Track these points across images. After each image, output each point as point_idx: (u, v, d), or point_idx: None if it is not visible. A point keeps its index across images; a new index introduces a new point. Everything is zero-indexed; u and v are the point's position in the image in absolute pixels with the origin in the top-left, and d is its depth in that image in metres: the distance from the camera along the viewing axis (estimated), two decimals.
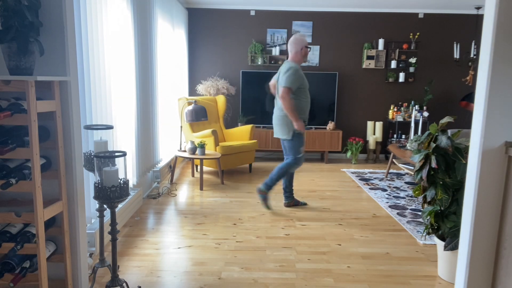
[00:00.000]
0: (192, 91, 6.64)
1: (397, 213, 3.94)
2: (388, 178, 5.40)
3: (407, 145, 4.85)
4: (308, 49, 3.90)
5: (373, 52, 6.44)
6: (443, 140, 2.51)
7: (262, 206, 4.09)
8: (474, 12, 6.35)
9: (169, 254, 2.95)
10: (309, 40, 6.49)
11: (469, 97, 6.18)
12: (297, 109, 3.79)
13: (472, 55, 6.01)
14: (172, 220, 3.67)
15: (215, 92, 6.19)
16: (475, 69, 6.07)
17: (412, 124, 5.26)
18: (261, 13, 6.46)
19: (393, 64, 6.42)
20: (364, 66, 6.52)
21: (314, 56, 6.55)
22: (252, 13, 6.45)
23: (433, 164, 2.51)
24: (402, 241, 3.26)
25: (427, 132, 2.66)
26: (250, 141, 5.53)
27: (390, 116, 6.54)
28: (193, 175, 5.39)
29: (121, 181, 1.96)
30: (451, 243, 2.51)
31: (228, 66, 6.59)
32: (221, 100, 5.88)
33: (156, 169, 4.66)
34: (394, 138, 6.44)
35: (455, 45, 6.06)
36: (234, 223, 3.61)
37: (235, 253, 2.98)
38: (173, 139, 5.64)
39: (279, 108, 3.89)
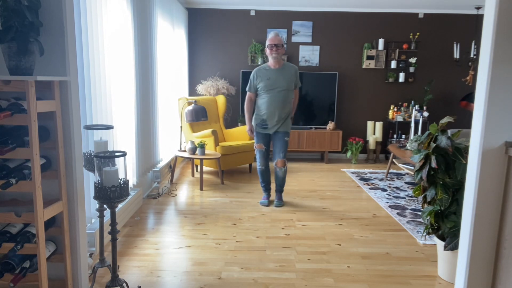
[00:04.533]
0: (192, 91, 6.64)
1: (397, 213, 3.94)
2: (388, 178, 5.40)
3: (407, 145, 4.85)
4: (273, 48, 3.92)
5: (373, 52, 6.44)
6: (443, 140, 2.51)
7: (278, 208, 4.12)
8: (474, 12, 6.35)
9: (169, 254, 2.95)
10: (309, 40, 6.49)
11: (469, 97, 6.18)
12: (256, 109, 4.08)
13: (472, 55, 6.01)
14: (172, 220, 3.67)
15: (215, 92, 6.19)
16: (475, 69, 6.07)
17: (412, 124, 5.26)
18: (261, 13, 6.46)
19: (393, 64, 6.42)
20: (364, 66, 6.52)
21: (314, 56, 6.54)
22: (252, 13, 6.45)
23: (433, 164, 2.51)
24: (402, 241, 3.26)
25: (427, 132, 2.66)
26: (250, 141, 5.53)
27: (390, 116, 6.54)
28: (193, 175, 5.39)
29: (121, 181, 1.96)
30: (451, 243, 2.51)
31: (228, 66, 6.58)
32: (221, 100, 5.88)
33: (156, 169, 4.66)
34: (394, 138, 6.44)
35: (455, 45, 6.06)
36: (234, 223, 3.61)
37: (235, 253, 2.98)
38: (173, 139, 5.64)
39: None
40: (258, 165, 4.18)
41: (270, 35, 3.98)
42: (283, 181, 4.16)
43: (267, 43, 3.95)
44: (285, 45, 3.98)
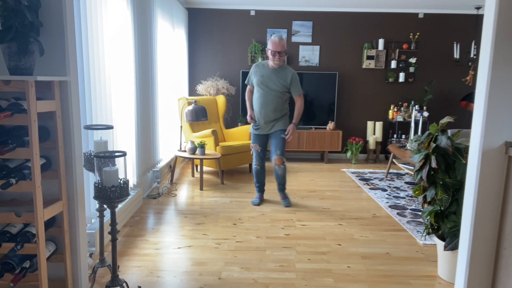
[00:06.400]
0: (192, 91, 6.64)
1: (397, 213, 3.94)
2: (388, 178, 5.40)
3: (407, 145, 4.85)
4: (275, 55, 3.84)
5: (373, 52, 6.44)
6: (443, 140, 2.51)
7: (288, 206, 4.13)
8: (474, 12, 6.35)
9: (169, 254, 2.95)
10: (309, 40, 6.49)
11: (469, 97, 6.18)
12: (254, 104, 4.11)
13: (472, 55, 6.01)
14: (172, 220, 3.67)
15: (215, 92, 6.19)
16: (475, 69, 6.07)
17: (412, 124, 5.26)
18: (261, 13, 6.46)
19: (393, 64, 6.41)
20: (364, 66, 6.52)
21: (314, 56, 6.54)
22: (252, 13, 6.45)
23: (433, 164, 2.51)
24: (402, 241, 3.26)
25: (427, 132, 2.66)
26: (250, 141, 5.53)
27: (390, 116, 6.54)
28: (193, 175, 5.39)
29: (121, 181, 1.96)
30: (451, 243, 2.51)
31: (228, 66, 6.58)
32: (221, 100, 5.88)
33: (156, 169, 4.66)
34: (394, 138, 6.44)
35: (455, 45, 6.06)
36: (234, 223, 3.61)
37: (235, 253, 2.98)
38: (173, 139, 5.64)
39: None
40: (253, 164, 4.19)
41: (274, 38, 3.82)
42: (282, 179, 4.14)
43: (271, 47, 3.82)
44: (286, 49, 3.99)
